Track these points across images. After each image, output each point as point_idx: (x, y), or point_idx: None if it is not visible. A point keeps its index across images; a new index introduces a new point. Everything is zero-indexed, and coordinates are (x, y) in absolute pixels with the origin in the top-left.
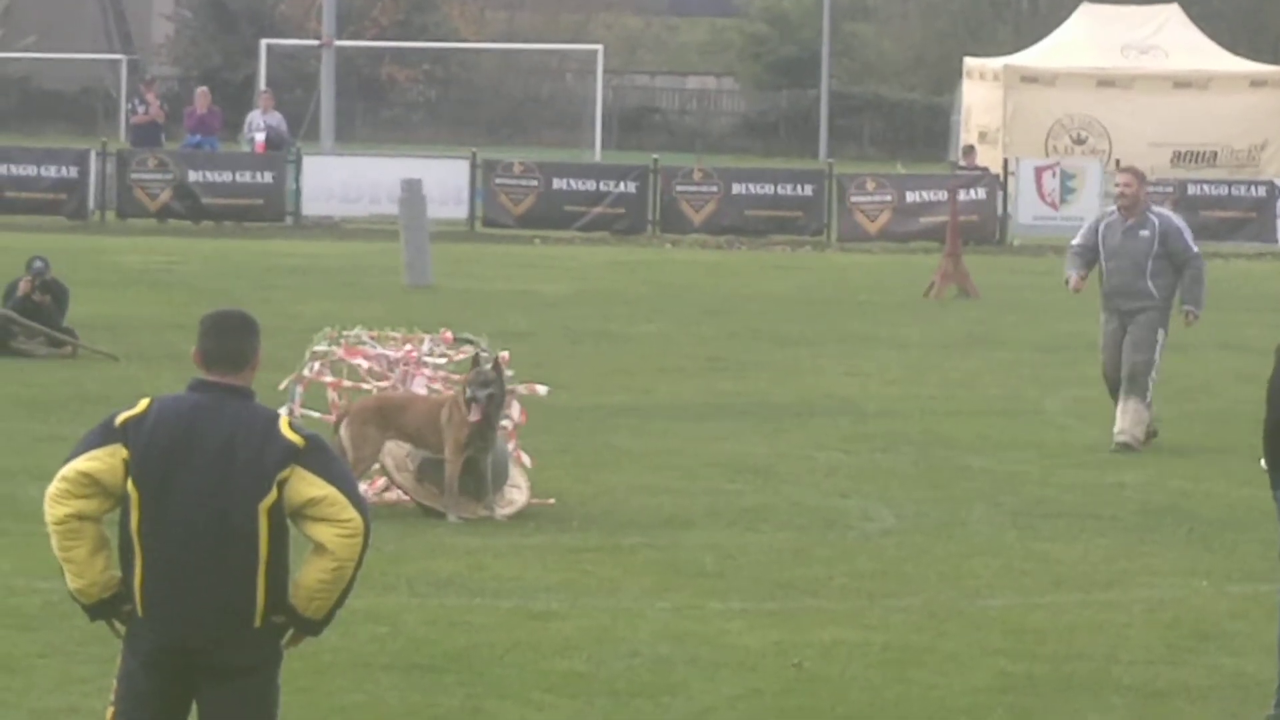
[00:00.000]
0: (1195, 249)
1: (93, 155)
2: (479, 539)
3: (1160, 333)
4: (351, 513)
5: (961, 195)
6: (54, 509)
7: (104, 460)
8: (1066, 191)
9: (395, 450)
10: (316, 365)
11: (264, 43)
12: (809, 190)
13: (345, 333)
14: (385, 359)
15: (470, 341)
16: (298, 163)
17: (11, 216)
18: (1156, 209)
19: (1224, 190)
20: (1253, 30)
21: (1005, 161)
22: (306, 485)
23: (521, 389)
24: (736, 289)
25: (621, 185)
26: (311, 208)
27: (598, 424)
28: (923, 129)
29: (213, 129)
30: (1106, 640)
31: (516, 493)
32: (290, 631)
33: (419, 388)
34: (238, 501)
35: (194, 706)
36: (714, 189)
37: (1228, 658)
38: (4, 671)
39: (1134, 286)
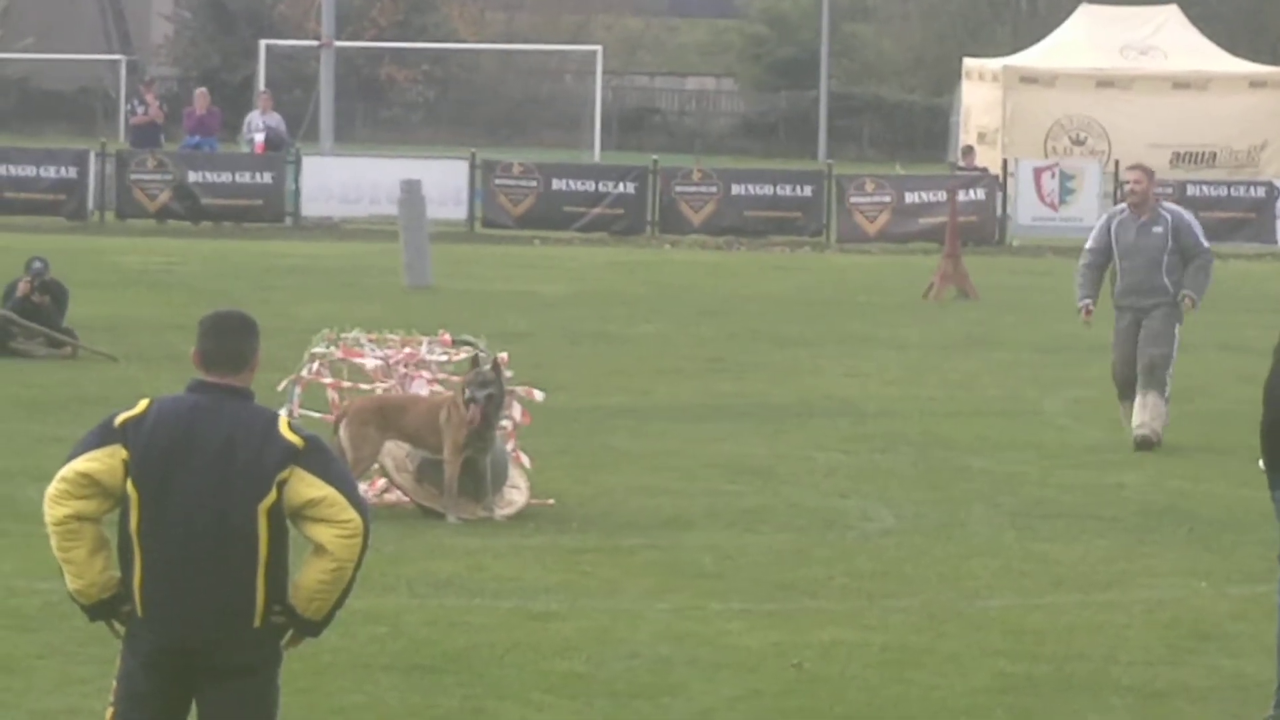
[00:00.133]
0: (1206, 244)
1: (92, 156)
2: (478, 540)
3: (1177, 327)
4: (351, 513)
5: (961, 196)
6: (53, 510)
7: (103, 461)
8: (1066, 192)
9: (395, 451)
10: (315, 366)
11: (263, 43)
12: (808, 191)
13: (343, 335)
14: (384, 361)
15: (469, 343)
16: (297, 163)
17: (11, 217)
18: (1167, 205)
19: (1223, 191)
20: (1252, 31)
21: (1004, 162)
22: (306, 486)
23: (520, 391)
24: (736, 290)
25: (621, 186)
26: (311, 208)
27: (597, 425)
28: (922, 130)
29: (212, 130)
30: (1106, 641)
31: (516, 493)
32: (290, 632)
33: (419, 389)
34: (237, 502)
35: (194, 707)
36: (713, 190)
37: (1227, 658)
38: (3, 672)
39: (1149, 283)
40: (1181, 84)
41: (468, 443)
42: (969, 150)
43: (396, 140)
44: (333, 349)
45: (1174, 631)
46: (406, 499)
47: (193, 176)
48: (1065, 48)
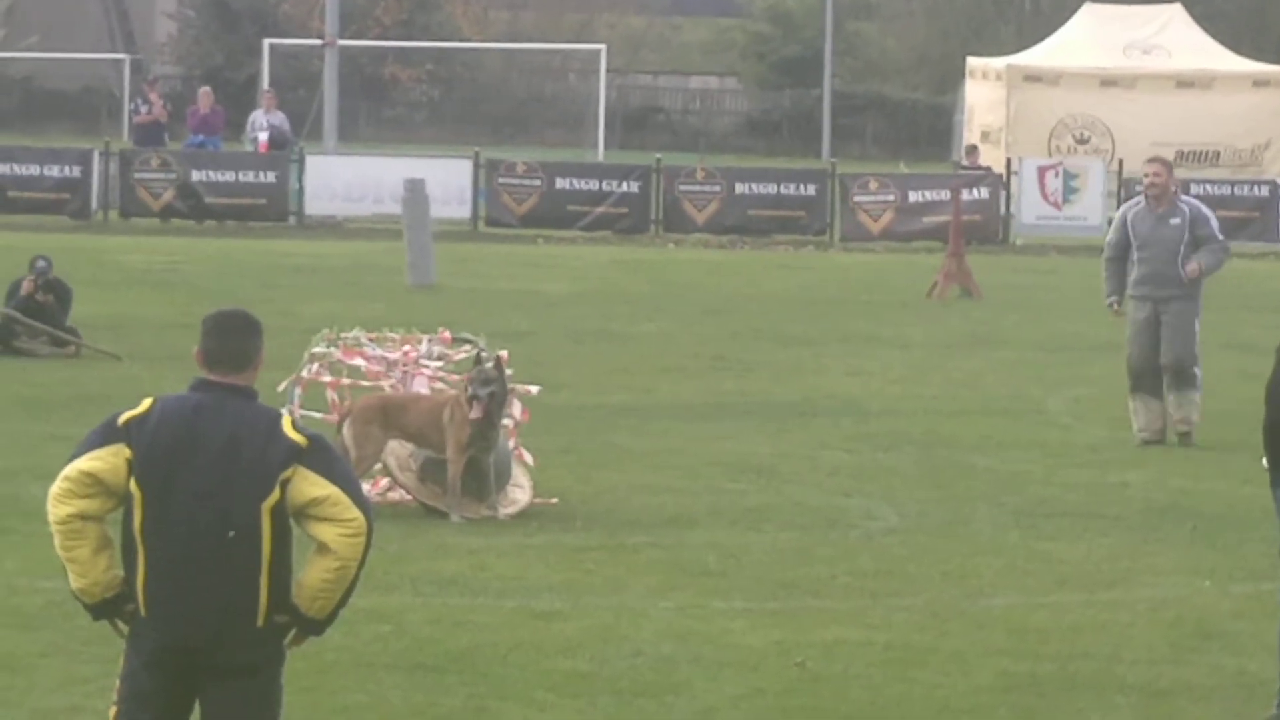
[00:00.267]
0: (1222, 236)
1: (96, 155)
2: (482, 539)
3: (1196, 322)
4: (354, 512)
5: (964, 195)
6: (57, 509)
7: (107, 460)
8: (1069, 191)
9: (398, 450)
10: (315, 366)
11: (267, 42)
12: (812, 190)
13: (343, 334)
14: (384, 360)
15: (469, 341)
16: (301, 162)
17: (14, 216)
18: (1185, 198)
19: (1227, 190)
20: (1256, 30)
21: (1008, 161)
22: (309, 485)
23: (518, 388)
24: (739, 288)
25: (624, 185)
26: (314, 207)
27: (600, 423)
28: (926, 128)
29: (216, 128)
30: (1110, 640)
31: (519, 492)
32: (293, 631)
33: (420, 388)
34: (240, 501)
35: (197, 706)
36: (717, 189)
37: (1231, 657)
38: (6, 671)
39: (1165, 274)
40: (1185, 83)
41: (471, 441)
42: (973, 149)
43: (400, 139)
44: (333, 349)
45: (1177, 630)
46: (409, 498)
47: (196, 175)
48: (1069, 46)
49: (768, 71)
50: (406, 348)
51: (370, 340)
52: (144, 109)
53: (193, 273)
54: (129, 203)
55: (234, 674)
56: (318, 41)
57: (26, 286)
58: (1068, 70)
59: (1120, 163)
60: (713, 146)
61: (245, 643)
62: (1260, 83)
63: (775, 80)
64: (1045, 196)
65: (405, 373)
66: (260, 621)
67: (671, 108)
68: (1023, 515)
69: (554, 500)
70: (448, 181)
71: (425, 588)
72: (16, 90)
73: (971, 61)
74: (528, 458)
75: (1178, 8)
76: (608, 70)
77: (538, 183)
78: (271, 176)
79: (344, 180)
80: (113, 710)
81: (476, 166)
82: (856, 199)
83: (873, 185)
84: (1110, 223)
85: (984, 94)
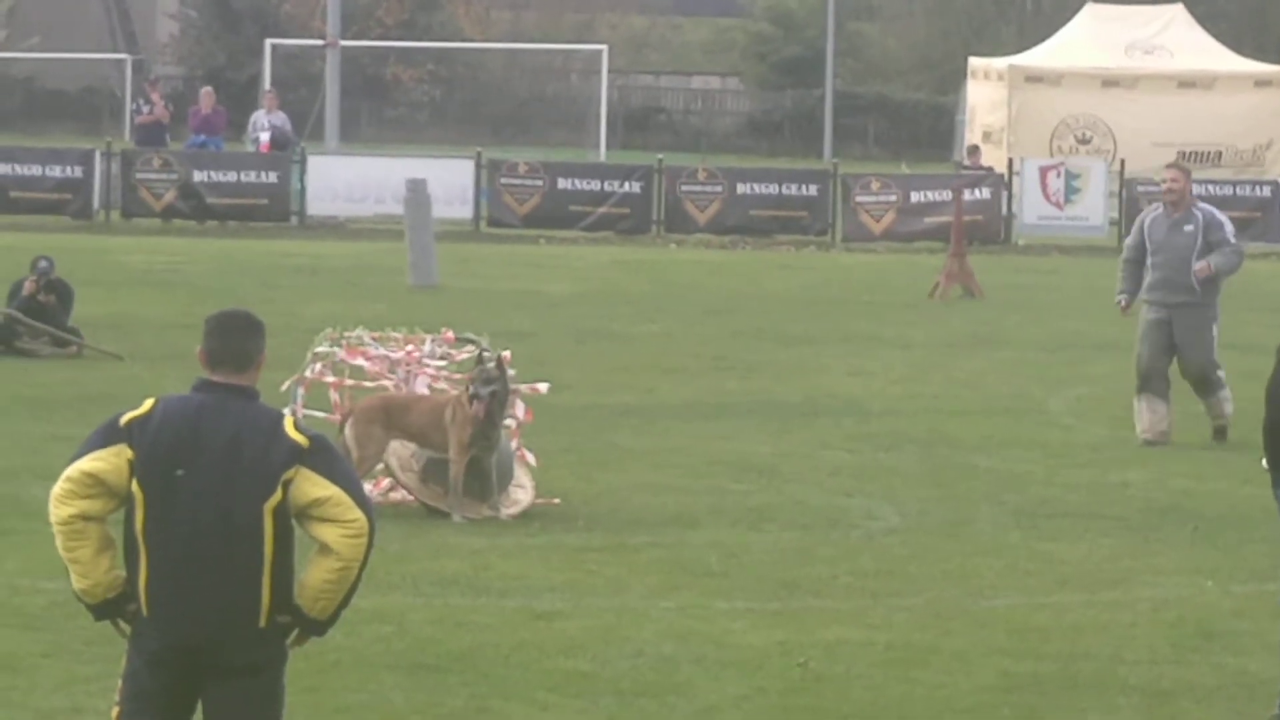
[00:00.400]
0: (1235, 241)
1: (97, 155)
2: (483, 539)
3: (1214, 328)
4: (356, 513)
5: (966, 195)
6: (58, 509)
7: (109, 460)
8: (1071, 191)
9: (400, 450)
10: (318, 366)
11: (269, 42)
12: (813, 190)
13: (346, 334)
14: (386, 360)
15: (471, 341)
16: (302, 162)
17: (16, 216)
18: (1202, 205)
19: (1229, 190)
20: (1257, 30)
21: (1010, 161)
22: (311, 485)
23: (524, 388)
24: (741, 289)
25: (626, 185)
26: (316, 208)
27: (602, 423)
28: (927, 129)
29: (217, 129)
30: (1111, 640)
31: (521, 492)
32: (295, 631)
33: (421, 388)
34: (242, 501)
35: (199, 706)
36: (718, 189)
37: (1232, 657)
38: (8, 671)
39: (1177, 281)
40: (1187, 83)
41: (473, 441)
42: (974, 149)
43: (402, 139)
44: (336, 349)
45: (1179, 630)
46: (411, 498)
47: (198, 176)
48: (1070, 47)
49: (769, 72)
50: (410, 347)
51: (373, 340)
52: (145, 109)
53: (194, 273)
54: (130, 203)
55: (236, 674)
56: (319, 42)
57: (28, 287)
58: (1069, 70)
59: (1122, 163)
60: (714, 147)
61: (247, 643)
62: (1262, 83)
63: (777, 80)
64: (1047, 197)
65: (408, 372)
66: (262, 622)
67: (673, 108)
68: (1024, 515)
69: (556, 500)
70: (450, 182)
71: (427, 588)
72: (18, 90)
73: (973, 62)
74: (530, 458)
75: (1179, 8)
76: (609, 70)
77: (539, 183)
78: (273, 177)
79: (345, 180)
80: (115, 710)
81: (478, 167)
82: (858, 199)
83: (874, 185)
84: (1112, 223)
85: (985, 94)
